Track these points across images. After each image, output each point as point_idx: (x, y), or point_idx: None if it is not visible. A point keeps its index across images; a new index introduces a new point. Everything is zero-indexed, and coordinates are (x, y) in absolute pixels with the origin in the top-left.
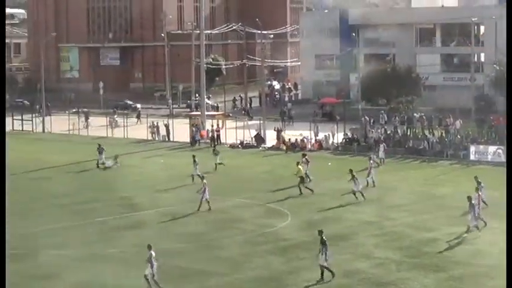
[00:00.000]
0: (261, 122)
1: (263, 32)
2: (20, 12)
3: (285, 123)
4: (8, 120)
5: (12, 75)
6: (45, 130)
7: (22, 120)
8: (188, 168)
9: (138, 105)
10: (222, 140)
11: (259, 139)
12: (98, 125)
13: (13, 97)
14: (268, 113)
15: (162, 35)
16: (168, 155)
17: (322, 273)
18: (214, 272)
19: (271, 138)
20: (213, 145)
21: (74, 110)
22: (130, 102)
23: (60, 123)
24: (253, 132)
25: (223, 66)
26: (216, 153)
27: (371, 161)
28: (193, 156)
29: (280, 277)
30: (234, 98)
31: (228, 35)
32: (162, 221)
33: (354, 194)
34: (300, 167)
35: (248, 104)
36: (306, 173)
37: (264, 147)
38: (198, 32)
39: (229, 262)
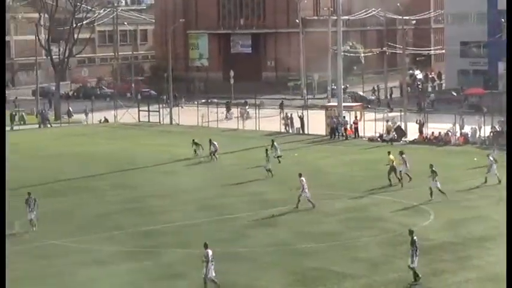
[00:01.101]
0: (402, 113)
1: (404, 17)
2: None
3: (428, 115)
4: (134, 110)
5: (138, 64)
6: (173, 122)
7: (149, 111)
8: (324, 163)
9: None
10: (360, 132)
11: (400, 132)
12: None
13: (139, 87)
14: (409, 104)
15: (297, 21)
16: (303, 148)
17: (415, 276)
18: (351, 273)
19: (413, 131)
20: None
21: (203, 101)
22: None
23: (188, 114)
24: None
25: (362, 54)
26: None
27: (490, 158)
28: (266, 150)
29: (421, 279)
30: (373, 88)
31: (367, 21)
32: (296, 219)
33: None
34: (391, 156)
35: (388, 95)
36: (406, 174)
37: (405, 141)
38: (335, 17)
39: (366, 263)
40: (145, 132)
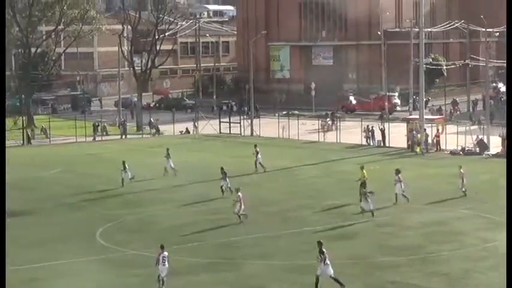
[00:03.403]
0: (485, 127)
1: (488, 29)
2: (229, 9)
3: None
4: (215, 122)
5: (220, 76)
6: (254, 133)
7: (230, 122)
8: (404, 176)
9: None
10: (442, 145)
11: (483, 145)
12: (310, 129)
13: (221, 98)
14: (493, 117)
15: (379, 33)
16: (383, 161)
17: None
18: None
19: (495, 145)
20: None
21: (284, 113)
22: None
23: (269, 126)
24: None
25: (444, 67)
26: None
27: None
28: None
29: None
30: (455, 100)
31: (450, 33)
32: (375, 232)
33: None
34: (364, 171)
35: (471, 108)
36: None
37: (488, 155)
38: (417, 29)
39: (446, 278)
40: (226, 144)
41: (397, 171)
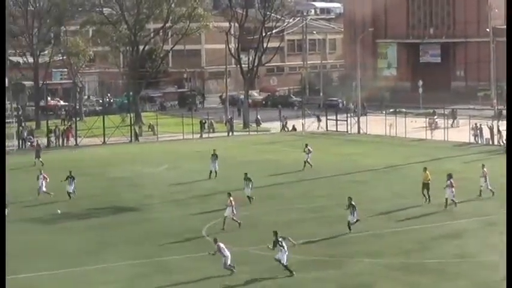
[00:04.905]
0: None
1: None
2: (336, 6)
3: None
4: (322, 119)
5: (326, 73)
6: (360, 131)
7: (336, 120)
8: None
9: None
10: None
11: None
12: (417, 127)
13: (327, 96)
14: None
15: (488, 30)
16: (490, 160)
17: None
18: None
19: None
20: None
21: (391, 110)
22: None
23: (376, 123)
24: None
25: None
26: None
27: None
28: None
29: None
30: None
31: None
32: (483, 231)
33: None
34: (427, 172)
35: None
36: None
37: None
38: None
39: None
40: (333, 141)
41: (449, 176)
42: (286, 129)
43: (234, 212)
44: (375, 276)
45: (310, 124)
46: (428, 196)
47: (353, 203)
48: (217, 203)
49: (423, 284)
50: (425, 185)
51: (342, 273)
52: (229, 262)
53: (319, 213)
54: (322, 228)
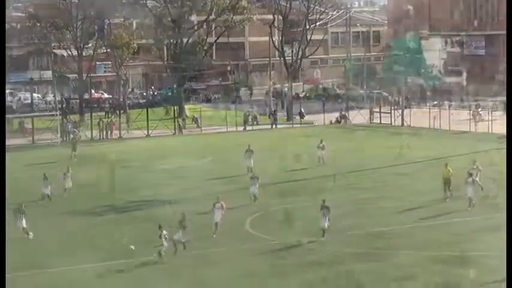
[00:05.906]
0: None
1: None
2: None
3: None
4: (366, 112)
5: (370, 66)
6: (404, 124)
7: (380, 112)
8: None
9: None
10: None
11: None
12: (461, 119)
13: (372, 88)
14: None
15: None
16: None
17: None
18: None
19: None
20: None
21: (435, 103)
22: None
23: (419, 116)
24: None
25: None
26: None
27: None
28: None
29: None
30: None
31: None
32: None
33: None
34: (449, 168)
35: None
36: None
37: None
38: None
39: None
40: (376, 134)
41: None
42: (342, 121)
43: (221, 214)
44: (419, 268)
45: (354, 116)
46: (450, 191)
47: (326, 204)
48: (260, 196)
49: (465, 276)
50: (447, 181)
51: (385, 266)
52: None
53: (363, 206)
54: (366, 220)
